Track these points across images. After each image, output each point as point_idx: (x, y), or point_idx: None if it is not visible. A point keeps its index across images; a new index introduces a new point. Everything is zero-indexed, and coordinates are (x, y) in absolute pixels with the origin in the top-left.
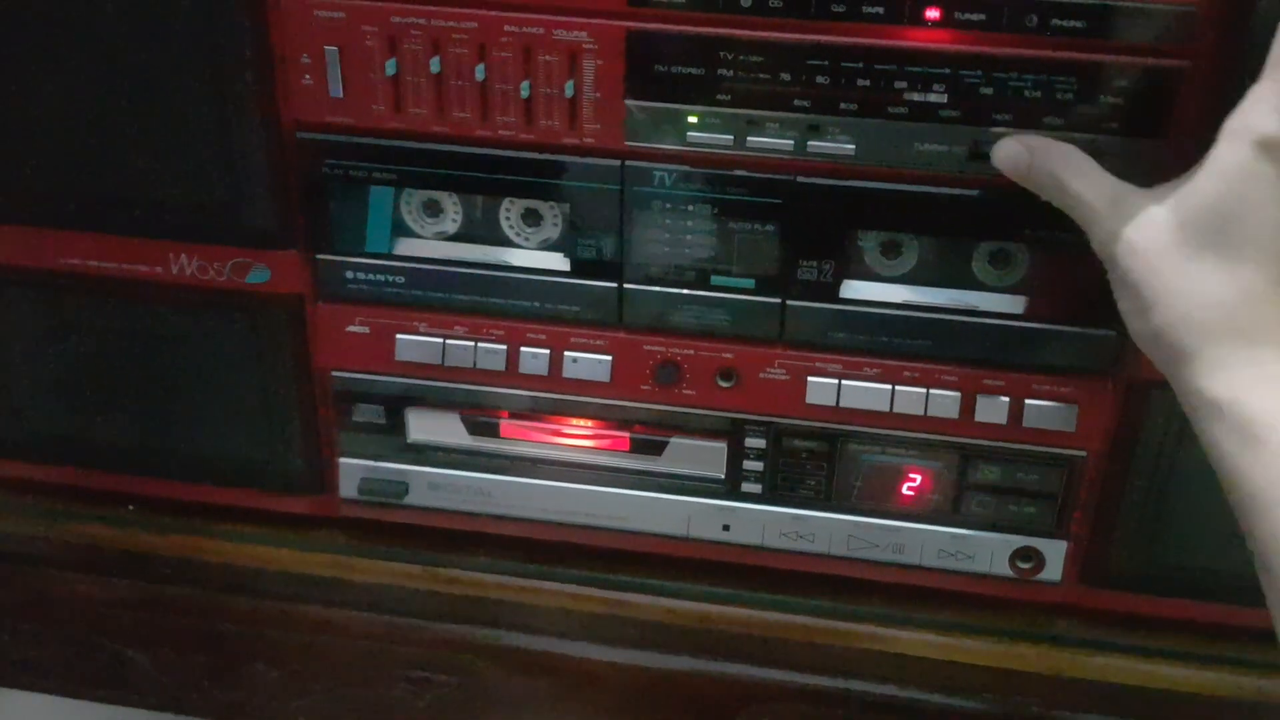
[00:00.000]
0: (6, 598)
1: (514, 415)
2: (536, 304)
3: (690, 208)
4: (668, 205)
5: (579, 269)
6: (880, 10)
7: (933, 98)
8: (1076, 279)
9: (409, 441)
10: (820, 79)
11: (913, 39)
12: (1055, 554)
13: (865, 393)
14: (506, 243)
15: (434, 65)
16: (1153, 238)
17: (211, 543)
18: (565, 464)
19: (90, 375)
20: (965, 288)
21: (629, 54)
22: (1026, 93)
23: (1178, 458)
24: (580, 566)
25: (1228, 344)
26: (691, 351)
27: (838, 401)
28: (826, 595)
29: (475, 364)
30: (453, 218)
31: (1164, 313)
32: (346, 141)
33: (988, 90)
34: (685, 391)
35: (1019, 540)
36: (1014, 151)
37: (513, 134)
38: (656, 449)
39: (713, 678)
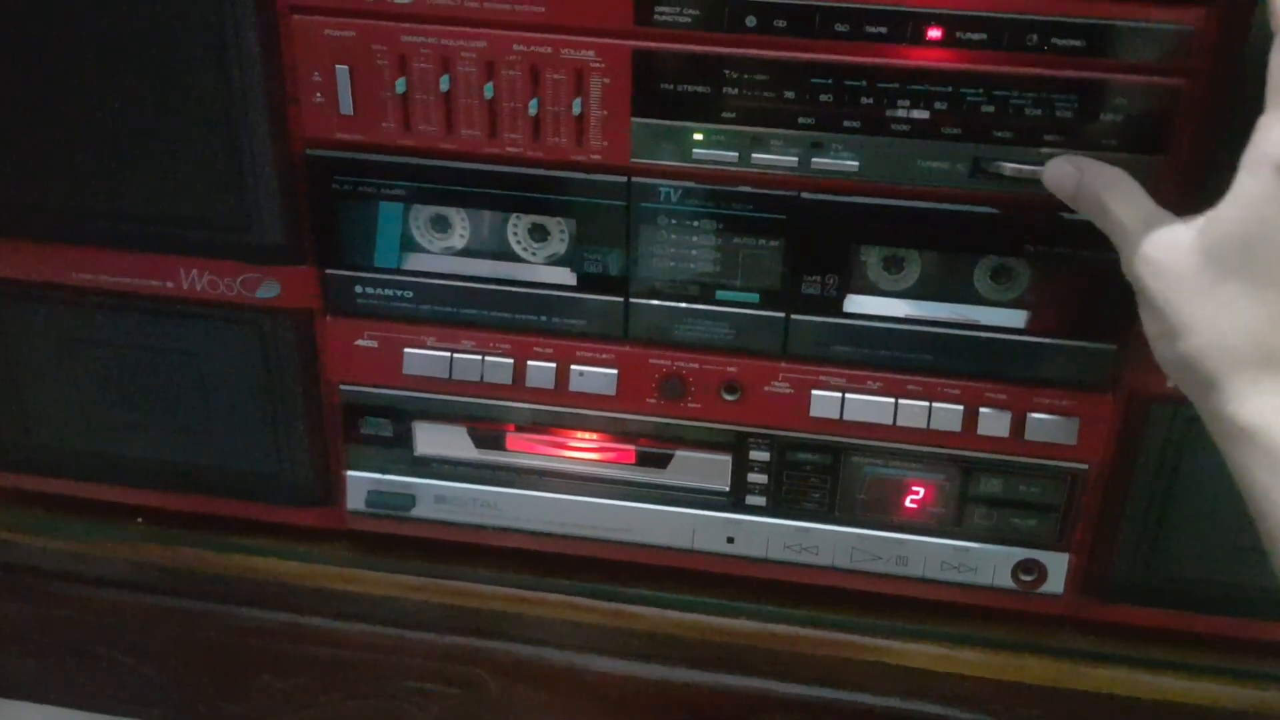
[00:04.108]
0: (14, 609)
1: (520, 428)
2: (543, 318)
3: (695, 223)
4: (673, 221)
5: (585, 283)
6: (883, 30)
7: (935, 115)
8: (1077, 294)
9: (416, 454)
10: (824, 97)
11: (915, 58)
12: (1057, 566)
13: (868, 406)
14: (514, 258)
15: (443, 83)
16: (1179, 263)
17: (219, 555)
18: (571, 477)
19: (100, 388)
20: (967, 302)
21: (635, 73)
22: (1027, 110)
23: (1179, 470)
24: (585, 578)
25: (1256, 370)
26: (696, 365)
27: (841, 415)
28: (830, 607)
29: (482, 377)
30: (460, 233)
31: (1191, 339)
32: (356, 158)
33: (989, 108)
34: (690, 405)
35: (1021, 553)
36: (1064, 171)
37: (521, 151)
38: (662, 462)
39: (717, 690)
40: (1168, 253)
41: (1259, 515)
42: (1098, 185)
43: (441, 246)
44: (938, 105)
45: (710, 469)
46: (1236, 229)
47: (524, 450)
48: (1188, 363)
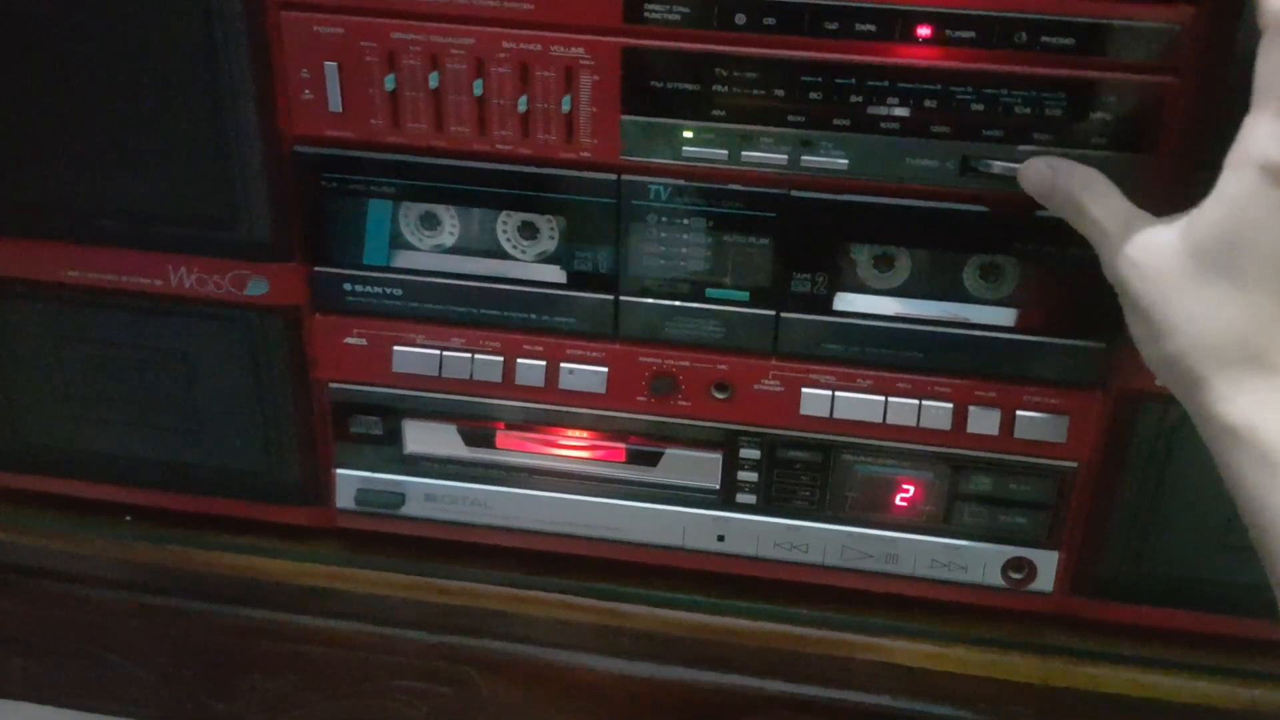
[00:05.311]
0: (2, 607)
1: (510, 426)
2: (533, 316)
3: (685, 221)
4: (663, 219)
5: (575, 281)
6: (872, 28)
7: (924, 114)
8: (1067, 292)
9: (406, 452)
10: (813, 95)
11: (904, 56)
12: (1047, 564)
13: (858, 404)
14: (503, 255)
15: (433, 80)
16: (1163, 264)
17: (208, 554)
18: (561, 475)
19: (89, 386)
20: (957, 300)
21: (625, 70)
22: (1016, 108)
23: (1168, 468)
24: (576, 577)
25: (1242, 370)
26: (686, 363)
27: (831, 413)
28: (820, 605)
29: (472, 375)
30: (450, 231)
31: (1177, 339)
32: (345, 155)
33: (978, 106)
34: (680, 403)
35: (1011, 550)
36: (1040, 171)
37: (510, 148)
38: (652, 460)
39: (707, 688)
40: (1151, 254)
41: (1247, 514)
42: (1072, 185)
43: (431, 244)
44: (927, 103)
45: (700, 467)
46: (1220, 229)
47: (514, 448)
48: (1174, 363)
